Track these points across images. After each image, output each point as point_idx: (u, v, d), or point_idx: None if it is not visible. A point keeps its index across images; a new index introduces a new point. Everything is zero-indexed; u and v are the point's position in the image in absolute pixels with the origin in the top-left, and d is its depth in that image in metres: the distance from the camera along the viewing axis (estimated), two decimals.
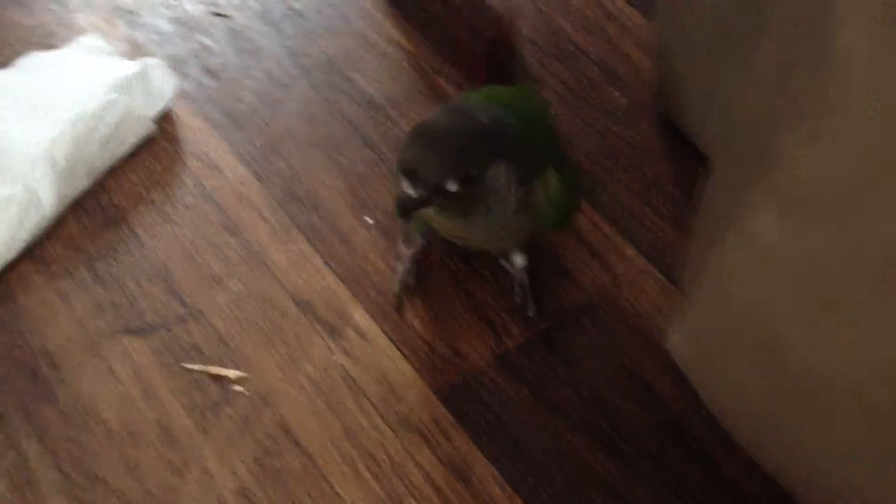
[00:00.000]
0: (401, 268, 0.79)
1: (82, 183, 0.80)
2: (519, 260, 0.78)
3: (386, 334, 0.76)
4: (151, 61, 0.85)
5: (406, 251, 0.79)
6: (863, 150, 0.46)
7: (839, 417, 0.55)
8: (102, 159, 0.81)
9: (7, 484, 0.68)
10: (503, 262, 0.79)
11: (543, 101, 0.80)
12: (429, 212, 0.67)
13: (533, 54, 0.94)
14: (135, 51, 0.92)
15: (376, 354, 0.75)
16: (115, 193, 0.82)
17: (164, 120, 0.87)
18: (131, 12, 0.96)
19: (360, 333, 0.76)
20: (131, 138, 0.83)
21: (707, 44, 0.78)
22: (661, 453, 0.70)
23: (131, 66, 0.84)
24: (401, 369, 0.75)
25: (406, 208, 0.63)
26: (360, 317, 0.77)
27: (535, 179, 0.68)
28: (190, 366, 0.74)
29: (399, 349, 0.76)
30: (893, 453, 0.52)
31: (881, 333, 0.49)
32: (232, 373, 0.74)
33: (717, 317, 0.61)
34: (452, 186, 0.62)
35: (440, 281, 0.79)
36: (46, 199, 0.77)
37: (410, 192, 0.62)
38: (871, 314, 0.50)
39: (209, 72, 0.92)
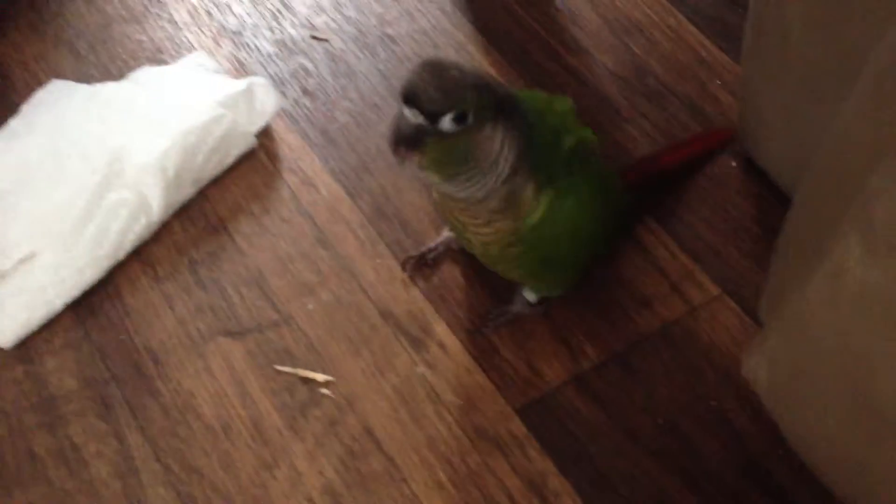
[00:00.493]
0: (436, 242, 0.84)
1: (188, 191, 0.86)
2: (530, 296, 0.79)
3: (466, 349, 0.80)
4: (257, 80, 0.90)
5: (446, 234, 0.83)
6: None
7: None
8: (207, 170, 0.86)
9: (110, 471, 0.73)
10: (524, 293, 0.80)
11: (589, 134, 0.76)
12: (427, 174, 0.66)
13: (622, 92, 0.97)
14: (238, 69, 0.98)
15: (456, 367, 0.79)
16: (218, 203, 0.87)
17: (264, 135, 0.92)
18: (237, 33, 1.01)
19: (442, 347, 0.80)
20: (234, 152, 0.88)
21: (795, 88, 0.80)
22: (739, 490, 0.72)
23: (238, 84, 0.89)
24: (479, 383, 0.78)
25: (399, 139, 0.62)
26: (442, 331, 0.81)
27: (529, 179, 0.67)
28: (281, 368, 0.78)
29: (478, 363, 0.79)
30: None
31: None
32: (320, 376, 0.78)
33: (799, 347, 0.63)
34: (447, 122, 0.61)
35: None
36: (156, 205, 0.82)
37: (409, 116, 0.61)
38: None
39: (307, 92, 0.97)
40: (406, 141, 0.62)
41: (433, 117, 0.61)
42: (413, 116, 0.61)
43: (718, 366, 0.79)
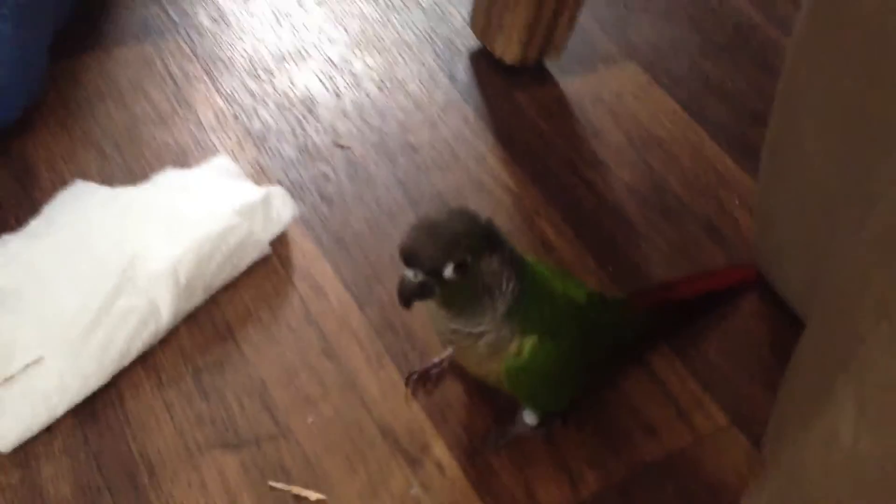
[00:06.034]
0: (441, 357, 0.84)
1: (198, 298, 0.86)
2: (528, 418, 0.79)
3: (464, 470, 0.79)
4: (275, 190, 0.92)
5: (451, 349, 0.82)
6: None
7: None
8: (219, 277, 0.87)
9: None
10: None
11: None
12: (433, 309, 0.70)
13: (639, 208, 0.97)
14: (260, 174, 0.99)
15: (452, 490, 0.77)
16: (227, 309, 0.88)
17: (279, 241, 0.93)
18: (261, 137, 1.03)
19: (439, 467, 0.79)
20: (247, 260, 0.89)
21: (811, 213, 0.78)
22: None
23: (256, 193, 0.91)
24: None
25: (406, 295, 0.66)
26: (441, 450, 0.80)
27: (518, 323, 0.69)
28: (275, 484, 0.77)
29: (475, 488, 0.78)
30: None
31: None
32: (313, 495, 0.77)
33: (793, 500, 0.61)
34: (449, 272, 0.64)
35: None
36: (165, 313, 0.83)
37: (410, 276, 0.65)
38: None
39: (325, 198, 0.98)
40: (413, 296, 0.66)
41: (435, 273, 0.64)
42: (414, 276, 0.65)
43: (722, 501, 0.77)
